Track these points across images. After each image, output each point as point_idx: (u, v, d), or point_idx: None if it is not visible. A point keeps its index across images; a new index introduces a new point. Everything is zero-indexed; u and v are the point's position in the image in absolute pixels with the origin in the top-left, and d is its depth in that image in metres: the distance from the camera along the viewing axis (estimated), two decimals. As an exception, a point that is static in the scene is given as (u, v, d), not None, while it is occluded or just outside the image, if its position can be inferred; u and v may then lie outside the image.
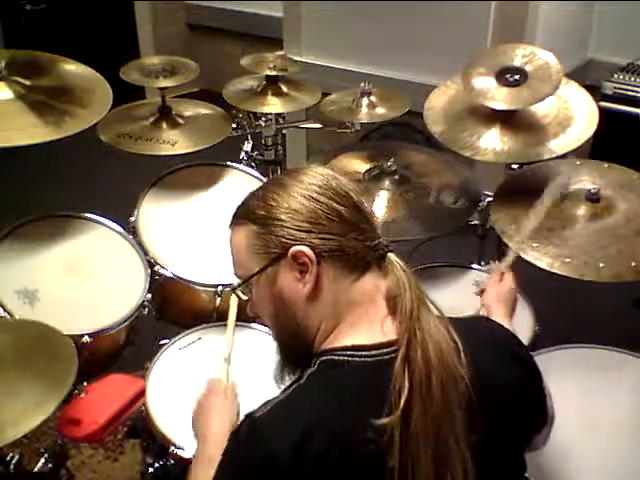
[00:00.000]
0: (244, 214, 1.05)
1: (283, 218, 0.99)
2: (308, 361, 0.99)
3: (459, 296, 1.78)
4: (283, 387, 1.03)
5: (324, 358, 0.97)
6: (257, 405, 0.95)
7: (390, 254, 1.02)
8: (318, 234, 0.98)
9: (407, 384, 0.90)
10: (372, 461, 0.89)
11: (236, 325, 1.76)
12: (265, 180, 2.16)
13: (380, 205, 1.87)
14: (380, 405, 0.89)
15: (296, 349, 1.04)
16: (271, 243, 1.00)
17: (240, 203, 1.07)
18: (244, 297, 1.10)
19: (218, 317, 1.83)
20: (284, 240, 0.99)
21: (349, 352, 0.96)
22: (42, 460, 1.62)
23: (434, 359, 0.92)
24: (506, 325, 1.24)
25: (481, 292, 1.47)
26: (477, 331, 1.07)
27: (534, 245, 1.61)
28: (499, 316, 1.33)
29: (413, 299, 0.96)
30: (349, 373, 0.94)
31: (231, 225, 1.07)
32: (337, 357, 0.96)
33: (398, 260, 1.01)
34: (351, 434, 0.89)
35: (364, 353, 0.95)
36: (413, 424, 0.89)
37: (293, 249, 0.98)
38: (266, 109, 2.26)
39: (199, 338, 1.73)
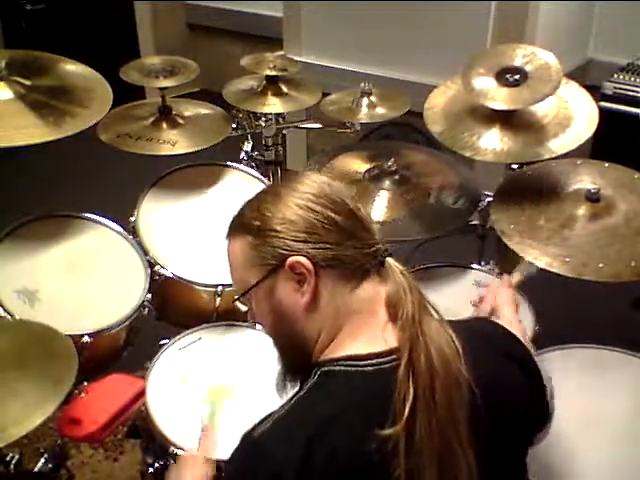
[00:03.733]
0: (239, 225, 1.04)
1: (278, 229, 0.98)
2: (309, 371, 0.98)
3: (459, 296, 1.78)
4: (284, 396, 1.02)
5: (324, 369, 0.97)
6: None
7: (389, 259, 1.00)
8: (315, 244, 0.97)
9: (412, 391, 0.89)
10: (377, 472, 0.88)
11: (236, 325, 1.78)
12: (265, 181, 2.17)
13: (380, 205, 1.87)
14: (383, 414, 0.88)
15: (297, 359, 1.03)
16: (267, 254, 0.99)
17: (235, 213, 1.06)
18: (244, 308, 1.09)
19: (218, 317, 1.84)
20: (280, 251, 0.97)
21: (349, 362, 0.95)
22: (42, 460, 1.61)
23: (437, 364, 0.91)
24: (517, 325, 1.25)
25: (480, 301, 1.45)
26: (476, 333, 1.06)
27: (534, 245, 1.61)
28: (511, 316, 1.33)
29: (414, 304, 0.95)
30: (349, 384, 0.93)
31: (227, 236, 1.06)
32: (336, 367, 0.95)
33: (397, 265, 1.00)
34: (354, 446, 0.88)
35: (363, 362, 0.94)
36: (418, 431, 0.88)
37: (290, 260, 0.97)
38: (266, 109, 2.26)
39: (199, 338, 1.73)
